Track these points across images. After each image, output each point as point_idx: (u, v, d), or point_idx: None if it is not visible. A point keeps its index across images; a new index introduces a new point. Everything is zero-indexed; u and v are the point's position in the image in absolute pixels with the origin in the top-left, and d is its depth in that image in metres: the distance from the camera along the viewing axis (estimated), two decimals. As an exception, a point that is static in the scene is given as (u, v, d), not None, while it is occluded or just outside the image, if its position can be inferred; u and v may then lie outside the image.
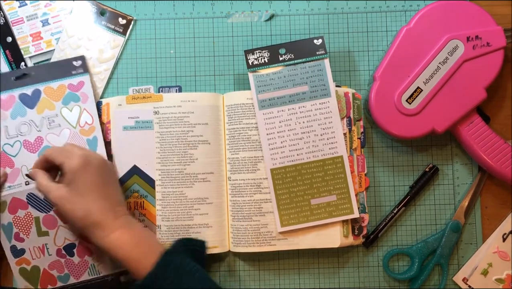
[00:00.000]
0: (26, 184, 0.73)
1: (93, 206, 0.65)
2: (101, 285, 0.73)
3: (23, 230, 0.73)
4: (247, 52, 0.75)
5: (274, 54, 0.75)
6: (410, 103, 0.73)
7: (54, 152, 0.69)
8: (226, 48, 0.80)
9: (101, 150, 0.74)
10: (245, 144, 0.75)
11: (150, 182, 0.74)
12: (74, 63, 0.76)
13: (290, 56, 0.75)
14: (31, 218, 0.73)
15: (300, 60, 0.75)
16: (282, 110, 0.74)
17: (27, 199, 0.73)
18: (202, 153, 0.75)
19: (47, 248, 0.73)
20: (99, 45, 0.78)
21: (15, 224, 0.73)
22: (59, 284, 0.73)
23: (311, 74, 0.75)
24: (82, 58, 0.77)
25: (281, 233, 0.74)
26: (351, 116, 0.76)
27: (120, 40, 0.79)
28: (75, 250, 0.74)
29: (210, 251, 0.73)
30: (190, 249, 0.67)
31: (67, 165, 0.66)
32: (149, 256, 0.64)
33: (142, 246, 0.65)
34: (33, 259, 0.73)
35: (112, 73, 0.79)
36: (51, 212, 0.73)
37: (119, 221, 0.66)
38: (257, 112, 0.74)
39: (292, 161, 0.74)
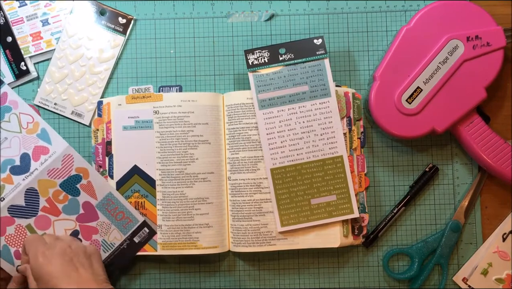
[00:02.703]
0: (1, 200, 0.73)
1: None
2: (123, 252, 0.74)
3: (20, 245, 0.73)
4: (247, 52, 0.76)
5: (274, 54, 0.76)
6: (410, 103, 0.73)
7: (26, 245, 0.68)
8: (226, 48, 0.80)
9: (55, 138, 0.75)
10: (245, 144, 0.75)
11: (151, 182, 0.74)
12: None
13: (290, 56, 0.75)
14: (23, 229, 0.73)
15: (300, 60, 0.75)
16: (282, 110, 0.75)
17: (9, 213, 0.73)
18: (202, 153, 0.75)
19: None
20: (99, 45, 0.78)
21: (10, 243, 0.73)
22: None
23: (311, 74, 0.75)
24: None
25: (281, 233, 0.74)
26: (351, 116, 0.76)
27: (120, 39, 0.79)
28: (80, 236, 0.74)
29: (210, 251, 0.73)
30: None
31: (32, 263, 0.66)
32: None
33: None
34: None
35: (112, 72, 0.79)
36: (39, 212, 0.73)
37: None
38: (257, 112, 0.74)
39: (292, 161, 0.74)
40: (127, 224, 0.74)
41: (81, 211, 0.74)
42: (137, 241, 0.74)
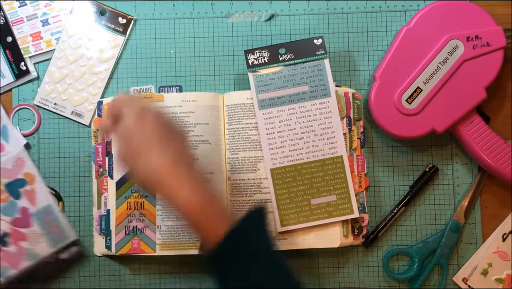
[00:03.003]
0: None
1: (155, 164, 0.59)
2: (46, 266, 0.73)
3: None
4: (247, 52, 0.76)
5: (274, 54, 0.75)
6: (410, 103, 0.73)
7: (113, 108, 0.63)
8: (226, 48, 0.80)
9: (15, 138, 0.75)
10: (245, 144, 0.75)
11: (150, 182, 0.74)
12: None
13: (290, 56, 0.75)
14: None
15: (300, 60, 0.75)
16: (282, 110, 0.74)
17: None
18: (203, 153, 0.75)
19: None
20: (99, 45, 0.79)
21: None
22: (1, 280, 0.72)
23: (311, 74, 0.75)
24: None
25: (281, 233, 0.74)
26: (351, 116, 0.76)
27: (120, 39, 0.79)
28: (8, 239, 0.73)
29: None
30: (262, 218, 0.61)
31: (123, 124, 0.61)
32: (219, 224, 0.58)
33: (209, 212, 0.59)
34: None
35: (112, 73, 0.79)
36: None
37: (187, 179, 0.59)
38: (257, 112, 0.74)
39: (292, 161, 0.74)
40: (58, 238, 0.75)
41: (17, 215, 0.74)
42: (63, 257, 0.74)
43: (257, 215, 0.61)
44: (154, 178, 0.59)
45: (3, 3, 0.79)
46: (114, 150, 0.65)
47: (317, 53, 0.75)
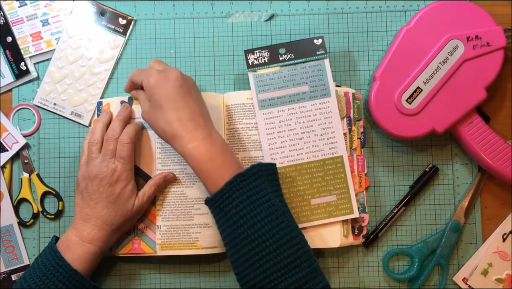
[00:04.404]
0: None
1: (171, 117, 0.65)
2: None
3: None
4: (247, 52, 0.76)
5: (274, 54, 0.76)
6: (410, 103, 0.73)
7: (135, 75, 0.71)
8: (226, 48, 0.80)
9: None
10: (245, 144, 0.75)
11: (150, 182, 0.74)
12: None
13: (290, 56, 0.75)
14: None
15: (300, 60, 0.75)
16: (282, 110, 0.74)
17: None
18: (202, 153, 0.75)
19: None
20: (99, 45, 0.79)
21: None
22: None
23: (311, 74, 0.75)
24: None
25: (281, 233, 0.74)
26: (351, 116, 0.76)
27: (120, 40, 0.79)
28: None
29: (210, 251, 0.73)
30: (264, 171, 0.66)
31: (146, 83, 0.68)
32: (222, 172, 0.64)
33: (216, 161, 0.65)
34: None
35: (112, 73, 0.79)
36: None
37: (198, 132, 0.65)
38: (257, 112, 0.74)
39: (292, 161, 0.74)
40: (12, 259, 0.76)
41: None
42: (14, 279, 0.75)
43: (262, 168, 0.65)
44: (170, 130, 0.66)
45: (3, 3, 0.79)
46: (141, 110, 0.71)
47: (317, 53, 0.75)
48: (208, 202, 0.65)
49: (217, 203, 0.64)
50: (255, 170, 0.64)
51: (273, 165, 0.69)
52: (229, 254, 0.64)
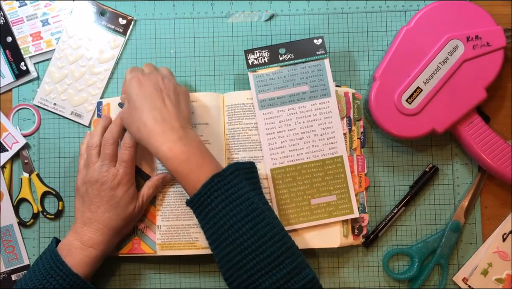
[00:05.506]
0: None
1: (146, 117, 0.65)
2: None
3: None
4: (247, 52, 0.75)
5: (274, 54, 0.76)
6: (410, 103, 0.73)
7: (126, 75, 0.71)
8: (226, 48, 0.80)
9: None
10: (245, 144, 0.75)
11: (150, 182, 0.74)
12: None
13: (290, 56, 0.75)
14: None
15: (300, 60, 0.75)
16: (282, 110, 0.74)
17: None
18: (202, 153, 0.75)
19: None
20: (99, 45, 0.79)
21: None
22: None
23: (311, 74, 0.75)
24: None
25: (281, 233, 0.74)
26: (351, 116, 0.76)
27: (120, 40, 0.79)
28: None
29: (210, 251, 0.73)
30: (242, 170, 0.66)
31: (126, 85, 0.69)
32: (198, 173, 0.64)
33: (191, 162, 0.64)
34: None
35: (112, 73, 0.79)
36: None
37: (173, 133, 0.65)
38: (257, 112, 0.74)
39: (292, 161, 0.74)
40: (12, 259, 0.76)
41: None
42: (14, 279, 0.75)
43: (239, 167, 0.65)
44: (144, 130, 0.65)
45: (3, 3, 0.79)
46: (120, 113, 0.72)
47: (317, 53, 0.75)
48: (188, 204, 0.65)
49: (196, 205, 0.63)
50: (232, 169, 0.64)
51: (252, 164, 0.68)
52: (214, 255, 0.64)
